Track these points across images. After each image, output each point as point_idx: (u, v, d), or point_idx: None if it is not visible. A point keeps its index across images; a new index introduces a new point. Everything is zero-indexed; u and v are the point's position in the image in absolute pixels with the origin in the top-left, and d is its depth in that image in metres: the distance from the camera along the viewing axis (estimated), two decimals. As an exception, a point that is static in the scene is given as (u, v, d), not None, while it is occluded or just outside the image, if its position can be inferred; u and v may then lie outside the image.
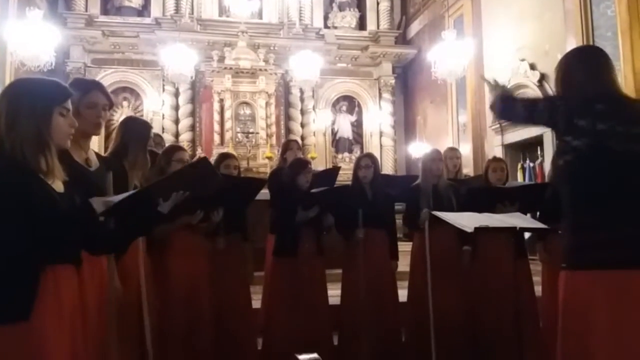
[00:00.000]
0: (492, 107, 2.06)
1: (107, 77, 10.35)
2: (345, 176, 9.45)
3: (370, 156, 3.89)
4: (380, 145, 11.30)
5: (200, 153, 9.62)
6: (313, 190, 3.55)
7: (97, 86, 2.28)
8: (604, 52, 1.97)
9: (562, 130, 1.82)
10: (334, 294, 3.78)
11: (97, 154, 2.30)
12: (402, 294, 3.81)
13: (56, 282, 1.51)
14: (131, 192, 1.92)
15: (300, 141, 10.81)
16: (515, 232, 2.70)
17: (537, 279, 3.77)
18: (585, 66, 1.89)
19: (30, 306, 1.43)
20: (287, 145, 4.48)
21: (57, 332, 1.49)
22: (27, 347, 1.42)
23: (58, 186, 1.59)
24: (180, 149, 3.21)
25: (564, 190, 1.84)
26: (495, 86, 2.21)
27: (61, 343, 1.50)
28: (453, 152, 4.56)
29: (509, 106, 1.97)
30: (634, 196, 1.74)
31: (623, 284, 1.67)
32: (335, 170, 5.10)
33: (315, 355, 1.08)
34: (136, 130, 2.67)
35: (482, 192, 3.60)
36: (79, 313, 1.63)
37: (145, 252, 2.68)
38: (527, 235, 3.82)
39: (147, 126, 2.80)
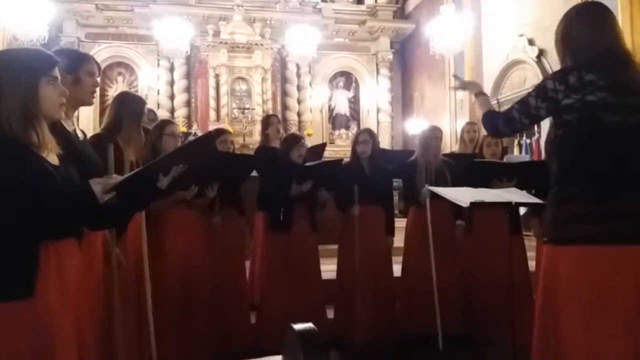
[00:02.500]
0: (484, 127, 2.03)
1: (102, 52, 10.22)
2: (342, 153, 9.46)
3: (369, 131, 3.89)
4: (377, 121, 11.25)
5: (196, 129, 9.58)
6: (307, 164, 3.55)
7: (91, 57, 2.33)
8: (605, 7, 1.86)
9: (552, 114, 1.81)
10: (330, 268, 3.81)
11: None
12: (397, 269, 3.85)
13: (58, 258, 1.51)
14: (135, 171, 1.92)
15: (296, 117, 10.79)
16: (510, 207, 2.71)
17: (531, 254, 3.81)
18: (584, 25, 1.81)
19: (33, 283, 1.43)
20: (267, 121, 4.42)
21: (61, 307, 1.49)
22: (32, 324, 1.43)
23: (52, 159, 1.56)
24: (172, 122, 3.18)
25: (552, 164, 1.83)
26: (468, 84, 2.24)
27: (66, 318, 1.51)
28: (471, 126, 4.48)
29: (493, 125, 1.94)
30: (621, 170, 1.72)
31: (603, 261, 1.67)
32: (321, 146, 5.09)
33: (310, 324, 1.08)
34: (130, 105, 2.64)
35: (480, 166, 3.60)
36: (83, 286, 1.63)
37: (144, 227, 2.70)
38: (522, 211, 3.84)
39: (141, 102, 2.77)
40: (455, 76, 2.44)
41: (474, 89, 2.18)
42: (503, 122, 1.90)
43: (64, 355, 1.48)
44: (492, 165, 3.58)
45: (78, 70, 2.14)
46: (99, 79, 2.29)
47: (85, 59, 2.23)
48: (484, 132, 2.85)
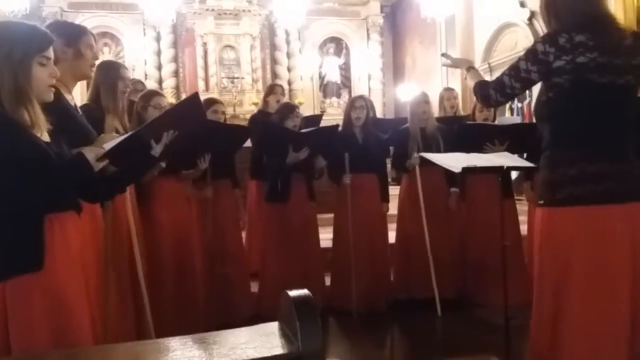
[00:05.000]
0: (476, 97, 2.03)
1: (86, 22, 9.93)
2: (334, 122, 9.35)
3: (363, 98, 3.90)
4: (369, 88, 11.14)
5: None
6: (303, 130, 3.54)
7: (88, 29, 2.31)
8: None
9: (543, 78, 1.80)
10: (328, 237, 3.85)
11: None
12: (391, 236, 3.89)
13: (63, 229, 1.53)
14: (123, 136, 1.91)
15: (287, 86, 10.65)
16: (502, 172, 2.73)
17: (523, 218, 3.85)
18: None
19: (42, 255, 1.45)
20: (272, 90, 4.45)
21: (70, 277, 1.52)
22: (45, 295, 1.45)
23: (44, 135, 1.55)
24: (158, 94, 3.12)
25: (544, 127, 1.84)
26: (458, 61, 2.23)
27: (75, 286, 1.54)
28: (449, 92, 4.48)
29: (484, 94, 1.92)
30: (612, 131, 1.74)
31: (598, 220, 1.70)
32: (318, 117, 5.09)
33: (305, 290, 1.10)
34: (105, 74, 2.59)
35: (472, 129, 3.60)
36: (85, 257, 1.66)
37: (135, 200, 2.69)
38: (514, 175, 3.86)
39: (115, 69, 2.68)
40: (444, 54, 2.41)
41: (465, 64, 2.20)
42: (494, 89, 1.89)
43: (79, 322, 1.51)
44: (483, 128, 3.58)
45: (78, 44, 2.12)
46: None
47: (84, 32, 2.20)
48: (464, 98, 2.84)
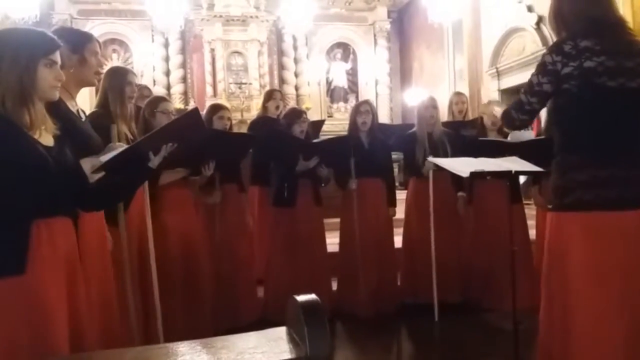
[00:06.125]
0: (502, 124, 2.11)
1: (95, 29, 10.03)
2: (341, 127, 9.40)
3: (369, 103, 3.90)
4: (376, 93, 11.15)
5: (192, 106, 9.51)
6: (315, 141, 3.55)
7: (94, 36, 2.32)
8: None
9: (555, 87, 1.81)
10: (335, 242, 3.84)
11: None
12: (398, 241, 3.88)
13: (51, 235, 1.51)
14: (121, 149, 1.92)
15: (294, 91, 10.69)
16: (510, 177, 2.72)
17: (531, 222, 3.83)
18: None
19: (25, 260, 1.44)
20: (270, 95, 4.44)
21: (53, 284, 1.50)
22: (25, 300, 1.44)
23: (47, 139, 1.55)
24: (165, 99, 3.14)
25: (554, 133, 1.84)
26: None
27: (58, 294, 1.52)
28: (458, 96, 4.47)
29: (507, 116, 1.95)
30: (623, 135, 1.73)
31: (606, 225, 1.70)
32: (320, 123, 5.10)
33: (313, 295, 1.10)
34: (111, 79, 2.61)
35: (486, 144, 3.56)
36: (77, 264, 1.63)
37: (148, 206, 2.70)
38: (522, 180, 3.83)
39: (122, 74, 2.69)
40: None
41: None
42: (514, 109, 1.92)
43: (56, 330, 1.49)
44: (496, 144, 3.53)
45: (83, 50, 2.14)
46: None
47: (89, 39, 2.22)
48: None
